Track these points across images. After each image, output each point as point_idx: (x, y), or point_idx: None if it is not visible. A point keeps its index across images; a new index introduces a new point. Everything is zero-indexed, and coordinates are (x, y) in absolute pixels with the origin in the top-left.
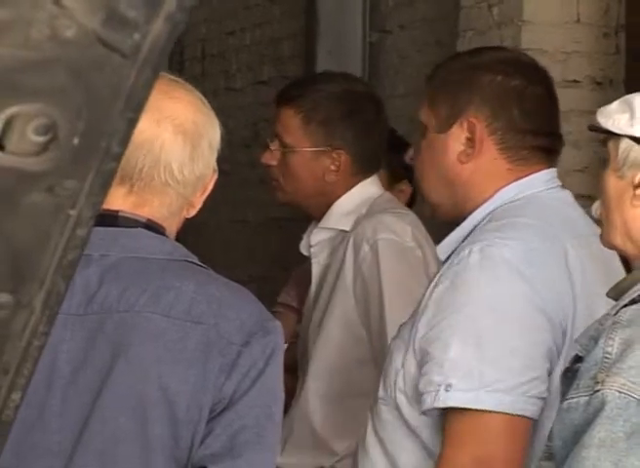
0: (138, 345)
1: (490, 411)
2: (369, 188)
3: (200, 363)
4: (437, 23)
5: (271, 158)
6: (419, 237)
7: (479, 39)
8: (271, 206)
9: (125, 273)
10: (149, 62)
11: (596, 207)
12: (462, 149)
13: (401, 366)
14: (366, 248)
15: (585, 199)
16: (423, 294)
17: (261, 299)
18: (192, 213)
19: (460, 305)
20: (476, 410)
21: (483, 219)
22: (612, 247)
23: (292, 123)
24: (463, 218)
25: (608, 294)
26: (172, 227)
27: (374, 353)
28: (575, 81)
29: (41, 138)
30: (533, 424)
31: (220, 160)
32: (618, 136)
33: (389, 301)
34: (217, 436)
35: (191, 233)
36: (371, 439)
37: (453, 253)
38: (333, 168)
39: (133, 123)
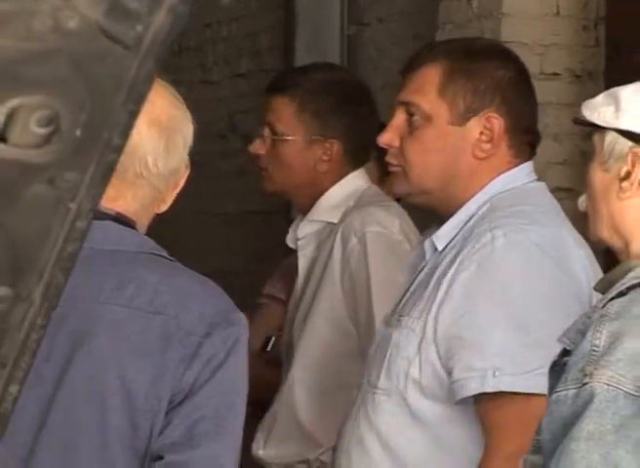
0: (99, 336)
1: (536, 395)
2: (356, 181)
3: (160, 353)
4: (415, 16)
5: (260, 147)
6: (406, 230)
7: (458, 32)
8: (248, 198)
9: (91, 264)
10: (151, 54)
11: (582, 200)
12: (478, 145)
13: (415, 355)
14: (354, 240)
15: (565, 192)
16: (423, 282)
17: (237, 292)
18: (163, 208)
19: (496, 290)
20: (522, 395)
21: (478, 210)
22: (599, 240)
23: (285, 111)
24: (445, 206)
25: (595, 287)
26: (143, 220)
27: (361, 346)
28: (554, 74)
29: (43, 130)
30: None
31: (196, 152)
32: (603, 130)
33: (377, 294)
34: (175, 426)
35: (166, 225)
36: (366, 431)
37: (450, 242)
38: (325, 158)
39: (134, 115)
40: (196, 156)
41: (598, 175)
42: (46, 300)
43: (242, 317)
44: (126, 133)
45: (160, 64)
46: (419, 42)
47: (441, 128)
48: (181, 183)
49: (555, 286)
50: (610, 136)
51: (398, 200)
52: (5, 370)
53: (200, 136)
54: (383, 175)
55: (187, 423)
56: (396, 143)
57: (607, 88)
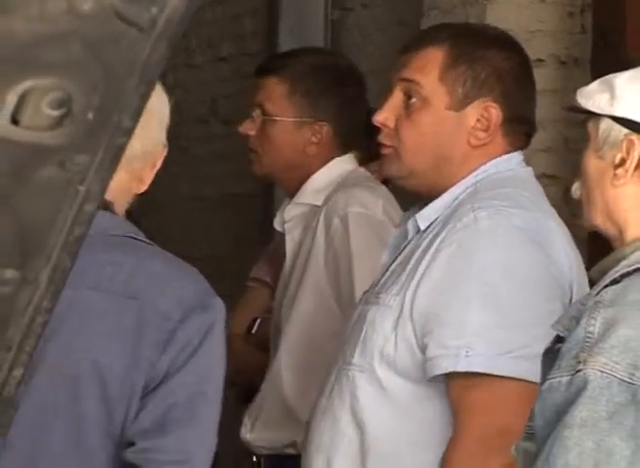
0: (72, 320)
1: (511, 378)
2: (343, 165)
3: (134, 338)
4: (400, 2)
5: (250, 127)
6: (390, 211)
7: (444, 18)
8: (228, 182)
9: None
10: (165, 36)
11: (576, 187)
12: (473, 132)
13: (391, 332)
14: (336, 221)
15: (549, 178)
16: (404, 261)
17: (217, 276)
18: (142, 188)
19: (476, 270)
20: (496, 377)
21: (464, 192)
22: (593, 227)
23: (276, 92)
24: (434, 190)
25: (589, 274)
26: (120, 202)
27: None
28: (539, 60)
29: (56, 112)
30: None
31: (178, 136)
32: (598, 117)
33: (359, 274)
34: (149, 412)
35: (148, 209)
36: (339, 408)
37: (433, 222)
38: (314, 140)
39: (145, 98)
40: (178, 140)
41: (593, 163)
42: (52, 283)
43: (218, 302)
44: (136, 115)
45: (172, 47)
46: (403, 28)
47: (438, 112)
48: (159, 163)
49: (536, 269)
50: (604, 124)
51: (386, 184)
52: (10, 354)
53: (182, 119)
54: (368, 162)
55: (161, 409)
56: (391, 123)
57: (593, 75)
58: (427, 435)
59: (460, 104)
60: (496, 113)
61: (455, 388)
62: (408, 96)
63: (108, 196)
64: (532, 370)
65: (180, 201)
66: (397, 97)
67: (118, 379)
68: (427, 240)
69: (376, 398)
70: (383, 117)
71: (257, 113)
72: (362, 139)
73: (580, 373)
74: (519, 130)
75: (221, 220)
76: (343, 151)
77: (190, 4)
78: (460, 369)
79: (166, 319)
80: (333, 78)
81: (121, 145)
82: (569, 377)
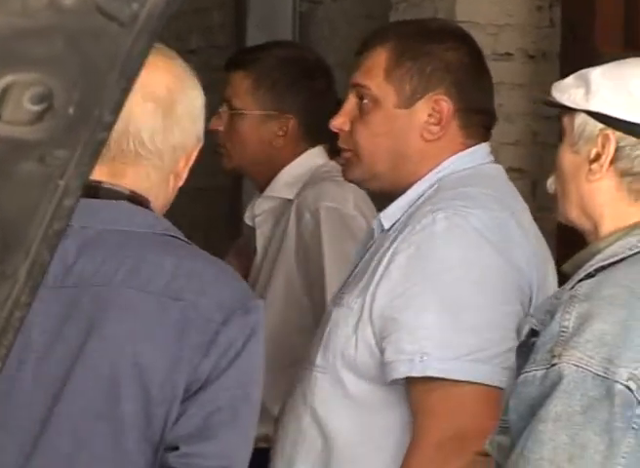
0: (113, 321)
1: (467, 382)
2: (314, 158)
3: (176, 340)
4: None
5: (219, 123)
6: (361, 206)
7: (413, 11)
8: (195, 175)
9: (104, 246)
10: (146, 32)
11: (551, 182)
12: (426, 127)
13: (352, 334)
14: (307, 215)
15: (517, 172)
16: (367, 261)
17: None
18: (179, 183)
19: (432, 273)
20: (452, 381)
21: (428, 189)
22: (568, 221)
23: (242, 86)
24: (398, 189)
25: (564, 268)
26: (157, 199)
27: (315, 321)
28: (507, 54)
29: (37, 107)
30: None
31: None
32: (573, 111)
33: (330, 269)
34: (190, 416)
35: None
36: (302, 409)
37: (397, 221)
38: (280, 133)
39: (126, 92)
40: None
41: (568, 157)
42: (31, 278)
43: (259, 304)
44: (117, 110)
45: (153, 42)
46: (372, 21)
47: (388, 111)
48: (193, 157)
49: (493, 272)
50: (580, 118)
51: None
52: None
53: None
54: (337, 153)
55: (203, 413)
56: (346, 127)
57: (562, 69)
58: (389, 438)
59: (408, 101)
60: (446, 106)
61: (413, 393)
62: (360, 98)
63: (144, 192)
64: (488, 374)
65: None
66: (351, 101)
67: (159, 382)
68: (389, 240)
69: (338, 400)
70: (339, 122)
71: (224, 108)
72: (331, 132)
73: (555, 368)
74: (476, 121)
75: (189, 215)
76: (312, 144)
77: (171, 0)
78: (416, 374)
79: (208, 321)
80: (299, 71)
81: (101, 140)
82: (544, 371)
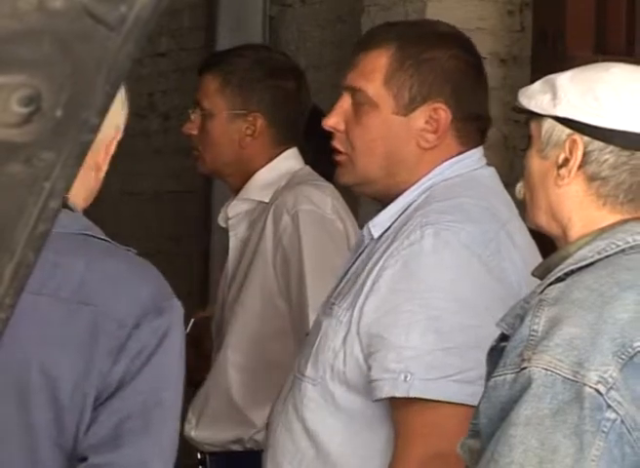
0: (21, 329)
1: (452, 403)
2: (290, 161)
3: (87, 347)
4: None
5: (192, 127)
6: (339, 209)
7: (384, 15)
8: (165, 178)
9: None
10: (133, 35)
11: (519, 187)
12: (423, 135)
13: (340, 347)
14: (286, 218)
15: None
16: (357, 271)
17: None
18: (101, 175)
19: (420, 291)
20: (436, 402)
21: (418, 197)
22: (537, 227)
23: (210, 87)
24: (391, 195)
25: (533, 273)
26: (77, 195)
27: (293, 324)
28: None
29: (25, 110)
30: None
31: None
32: (540, 117)
33: (310, 273)
34: (101, 423)
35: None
36: (293, 419)
37: (387, 229)
38: (249, 132)
39: (112, 95)
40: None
41: (536, 163)
42: (15, 280)
43: (174, 304)
44: (103, 113)
45: (141, 45)
46: (342, 24)
47: (385, 116)
48: (112, 148)
49: (481, 291)
50: (547, 124)
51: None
52: None
53: None
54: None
55: (114, 421)
56: (341, 127)
57: (533, 73)
58: (380, 450)
59: (406, 109)
60: (445, 115)
61: (396, 412)
62: (356, 99)
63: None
64: (473, 394)
65: (115, 196)
66: (346, 101)
67: (69, 390)
68: (380, 251)
69: (328, 411)
70: (333, 121)
71: (196, 111)
72: (303, 134)
73: (525, 371)
74: (472, 127)
75: (159, 217)
76: (284, 144)
77: (158, 2)
78: (399, 394)
79: (118, 325)
80: (267, 70)
81: (87, 143)
82: (513, 375)
